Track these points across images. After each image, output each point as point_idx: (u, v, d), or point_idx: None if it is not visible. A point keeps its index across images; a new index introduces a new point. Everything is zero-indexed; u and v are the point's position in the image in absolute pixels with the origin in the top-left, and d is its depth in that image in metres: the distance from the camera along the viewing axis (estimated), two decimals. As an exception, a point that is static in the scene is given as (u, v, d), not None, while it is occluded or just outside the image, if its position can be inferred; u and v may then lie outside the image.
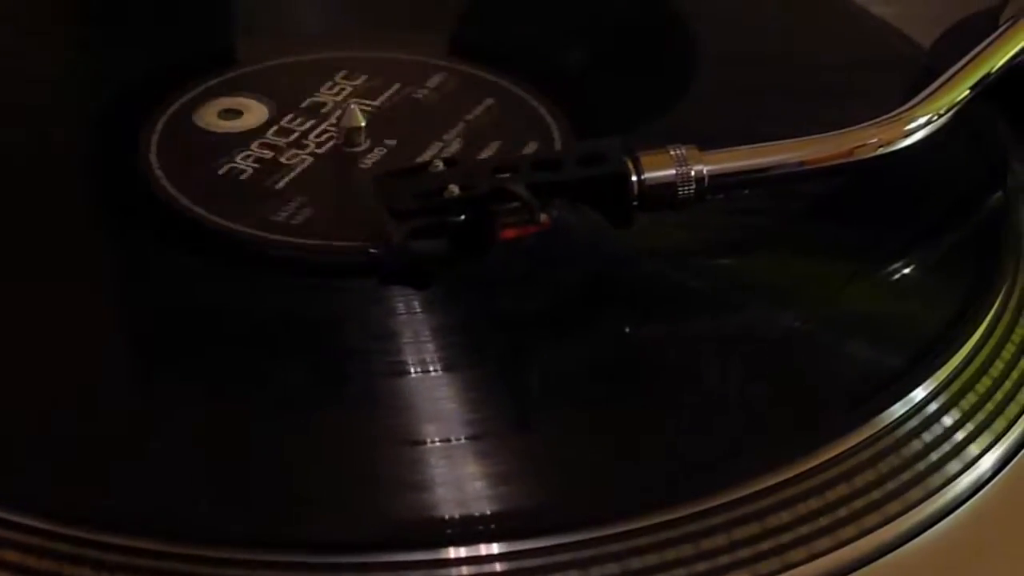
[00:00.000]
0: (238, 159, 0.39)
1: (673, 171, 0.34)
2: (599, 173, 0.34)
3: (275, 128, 0.40)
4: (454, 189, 0.34)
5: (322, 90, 0.41)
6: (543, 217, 0.33)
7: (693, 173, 0.34)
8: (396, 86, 0.42)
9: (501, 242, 0.34)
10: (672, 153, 0.35)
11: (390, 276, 0.34)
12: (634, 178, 0.34)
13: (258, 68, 0.42)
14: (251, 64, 0.43)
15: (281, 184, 0.38)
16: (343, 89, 0.41)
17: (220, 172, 0.38)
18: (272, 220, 0.36)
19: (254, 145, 0.39)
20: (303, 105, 0.41)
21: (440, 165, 0.34)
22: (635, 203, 0.34)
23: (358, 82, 0.42)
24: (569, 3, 0.47)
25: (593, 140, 0.36)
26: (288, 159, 0.39)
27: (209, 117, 0.40)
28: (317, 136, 0.40)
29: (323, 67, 0.42)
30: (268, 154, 0.39)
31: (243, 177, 0.38)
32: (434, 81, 0.42)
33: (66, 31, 0.45)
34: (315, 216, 0.36)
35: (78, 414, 0.31)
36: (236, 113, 0.40)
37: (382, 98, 0.41)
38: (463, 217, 0.34)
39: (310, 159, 0.39)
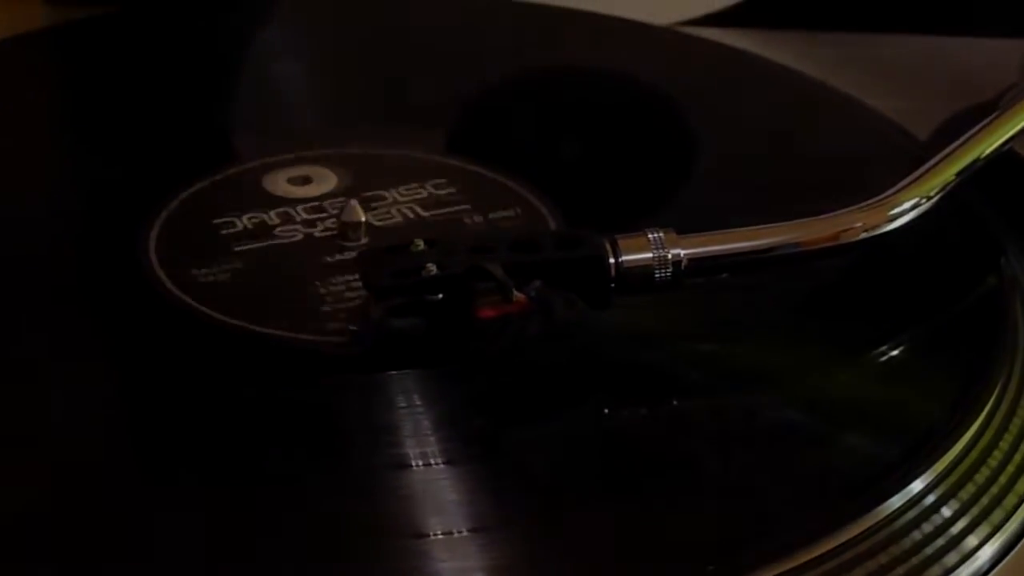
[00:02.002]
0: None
1: (650, 254, 0.35)
2: (576, 255, 0.35)
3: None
4: (432, 268, 0.34)
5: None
6: (518, 297, 0.34)
7: (670, 256, 0.35)
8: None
9: (479, 321, 0.34)
10: (650, 236, 0.35)
11: (368, 353, 0.35)
12: (611, 260, 0.34)
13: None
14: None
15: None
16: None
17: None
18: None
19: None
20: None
21: (421, 244, 0.35)
22: (612, 285, 0.34)
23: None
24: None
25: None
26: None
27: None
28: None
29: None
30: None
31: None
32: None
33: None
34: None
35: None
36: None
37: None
38: (441, 296, 0.34)
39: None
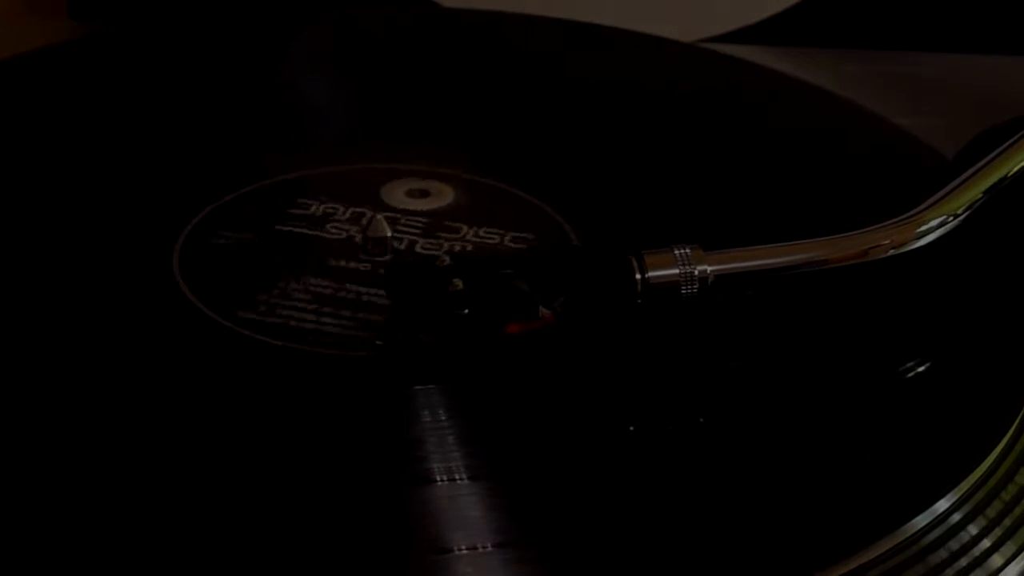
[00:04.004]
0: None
1: (677, 270, 0.35)
2: (603, 270, 0.35)
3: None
4: (459, 283, 0.34)
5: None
6: (544, 312, 0.34)
7: (696, 272, 0.35)
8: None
9: (505, 336, 0.34)
10: (676, 252, 0.35)
11: (394, 366, 0.35)
12: (637, 276, 0.34)
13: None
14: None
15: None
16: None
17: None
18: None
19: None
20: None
21: (447, 259, 0.35)
22: (638, 301, 0.35)
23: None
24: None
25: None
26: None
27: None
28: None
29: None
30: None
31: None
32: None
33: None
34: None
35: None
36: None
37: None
38: (467, 311, 0.34)
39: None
